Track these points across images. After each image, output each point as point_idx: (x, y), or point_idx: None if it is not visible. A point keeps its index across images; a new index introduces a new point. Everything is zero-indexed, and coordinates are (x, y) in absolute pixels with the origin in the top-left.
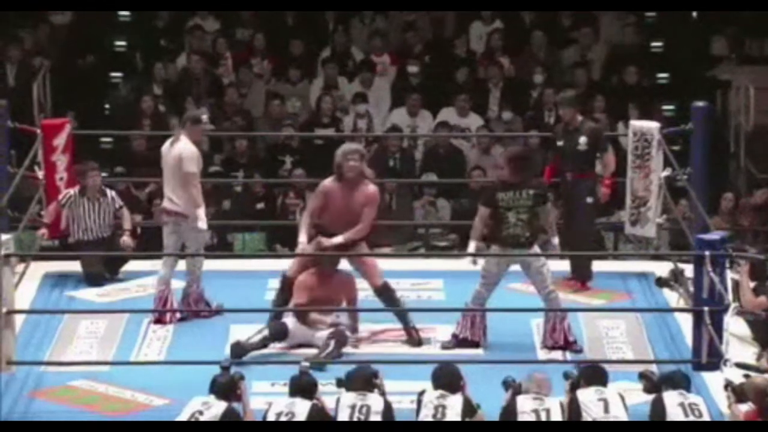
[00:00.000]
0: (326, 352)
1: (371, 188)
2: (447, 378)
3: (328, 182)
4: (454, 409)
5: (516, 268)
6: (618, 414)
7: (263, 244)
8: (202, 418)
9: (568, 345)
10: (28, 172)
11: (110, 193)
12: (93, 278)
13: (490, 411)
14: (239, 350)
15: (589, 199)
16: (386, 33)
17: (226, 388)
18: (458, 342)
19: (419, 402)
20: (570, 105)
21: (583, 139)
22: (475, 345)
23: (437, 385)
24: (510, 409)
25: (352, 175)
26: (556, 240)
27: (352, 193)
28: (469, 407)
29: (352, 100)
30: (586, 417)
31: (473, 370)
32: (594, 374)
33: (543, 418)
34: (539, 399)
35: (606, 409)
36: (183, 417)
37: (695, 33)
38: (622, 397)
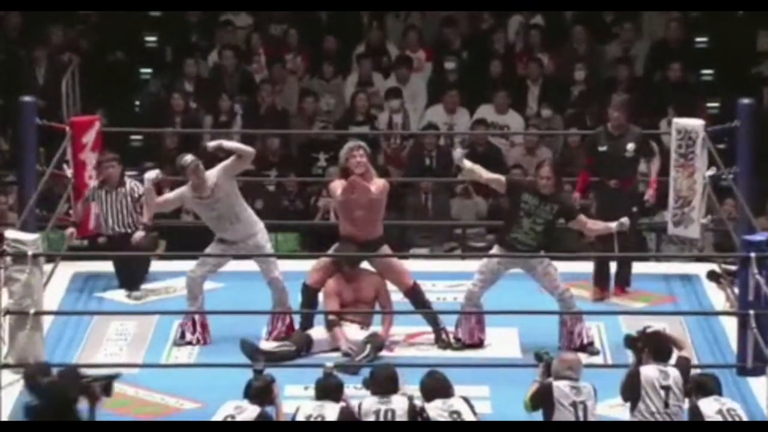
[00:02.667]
0: (362, 356)
1: (381, 182)
2: (440, 385)
3: (338, 183)
4: (466, 412)
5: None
6: None
7: (297, 244)
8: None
9: (584, 347)
10: (57, 170)
11: (130, 183)
12: (127, 281)
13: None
14: (250, 348)
15: (635, 208)
16: (422, 28)
17: (261, 392)
18: (464, 344)
19: (426, 419)
20: (624, 109)
21: (631, 146)
22: (480, 345)
23: (433, 396)
24: (545, 392)
25: (360, 172)
26: None
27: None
28: (470, 405)
29: (385, 95)
30: None
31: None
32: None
33: (581, 414)
34: (576, 388)
35: None
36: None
37: (740, 28)
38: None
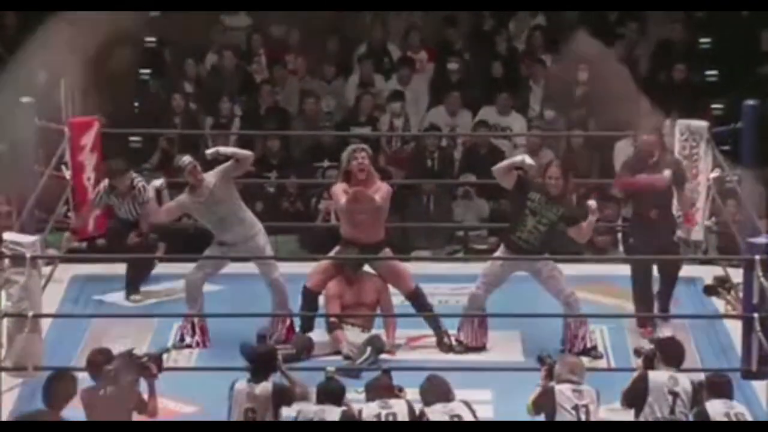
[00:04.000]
0: (363, 359)
1: (384, 186)
2: (440, 389)
3: (340, 187)
4: (467, 415)
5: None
6: None
7: (297, 247)
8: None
9: (587, 350)
10: (55, 171)
11: (137, 184)
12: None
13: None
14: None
15: (676, 237)
16: (423, 29)
17: (266, 360)
18: (466, 348)
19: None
20: (658, 133)
21: (667, 173)
22: (482, 348)
23: (433, 400)
24: (547, 396)
25: (363, 176)
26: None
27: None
28: (471, 409)
29: (387, 98)
30: None
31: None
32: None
33: (583, 417)
34: (578, 392)
35: None
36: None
37: (745, 29)
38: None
